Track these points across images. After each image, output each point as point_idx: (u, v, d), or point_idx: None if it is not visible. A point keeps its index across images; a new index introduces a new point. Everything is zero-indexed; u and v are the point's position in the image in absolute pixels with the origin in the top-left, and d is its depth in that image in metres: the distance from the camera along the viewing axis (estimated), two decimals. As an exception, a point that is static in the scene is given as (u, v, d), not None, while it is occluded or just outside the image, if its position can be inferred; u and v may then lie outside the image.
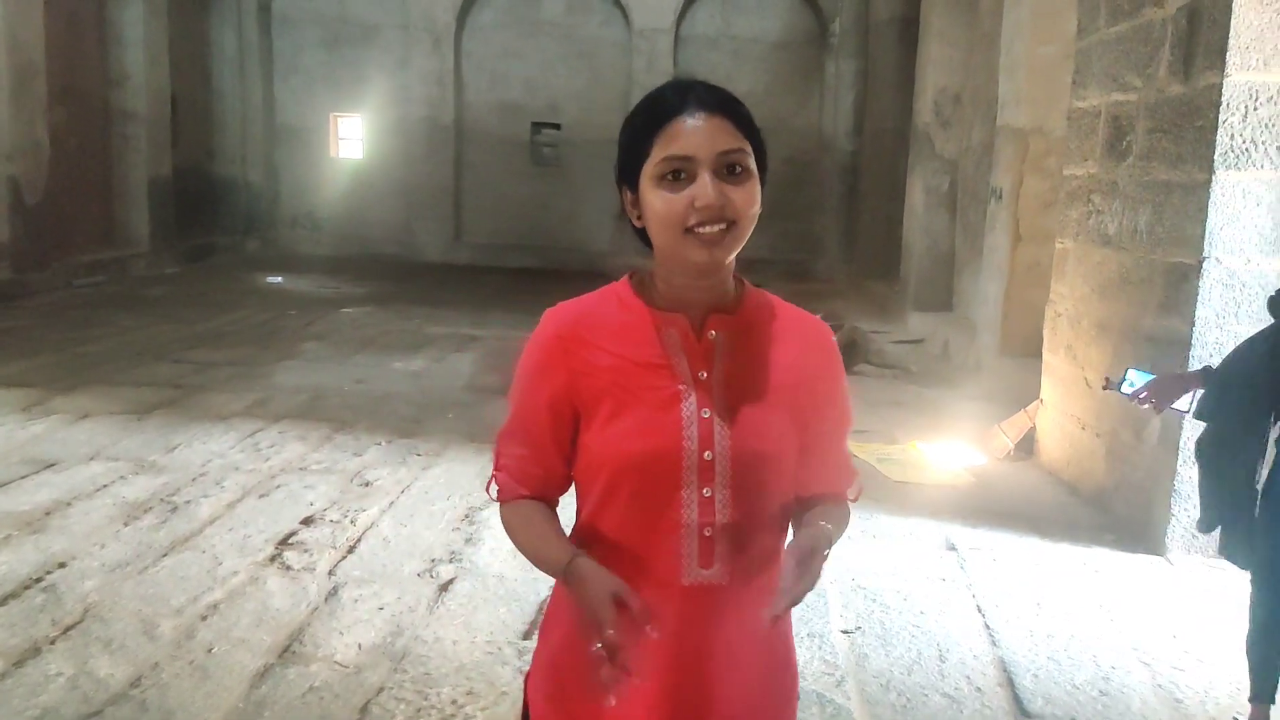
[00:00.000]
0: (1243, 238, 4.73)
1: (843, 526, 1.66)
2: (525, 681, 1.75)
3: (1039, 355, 6.56)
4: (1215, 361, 4.77)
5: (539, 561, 1.62)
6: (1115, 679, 3.74)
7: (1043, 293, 6.63)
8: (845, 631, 4.02)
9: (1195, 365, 4.81)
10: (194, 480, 5.47)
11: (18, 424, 6.36)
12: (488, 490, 1.69)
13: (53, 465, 5.59)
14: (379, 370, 8.50)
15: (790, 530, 1.68)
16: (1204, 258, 4.76)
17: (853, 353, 8.94)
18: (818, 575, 1.50)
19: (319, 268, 15.31)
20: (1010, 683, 3.68)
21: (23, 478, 5.38)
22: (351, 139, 17.78)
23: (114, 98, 13.83)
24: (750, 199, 1.50)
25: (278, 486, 5.43)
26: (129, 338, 9.39)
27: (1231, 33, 4.61)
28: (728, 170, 1.49)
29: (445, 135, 17.00)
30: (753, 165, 1.51)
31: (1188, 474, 4.86)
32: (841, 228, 15.70)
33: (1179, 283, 4.93)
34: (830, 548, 1.55)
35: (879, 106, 13.94)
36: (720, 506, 1.57)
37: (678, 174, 1.48)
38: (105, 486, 5.30)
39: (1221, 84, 4.65)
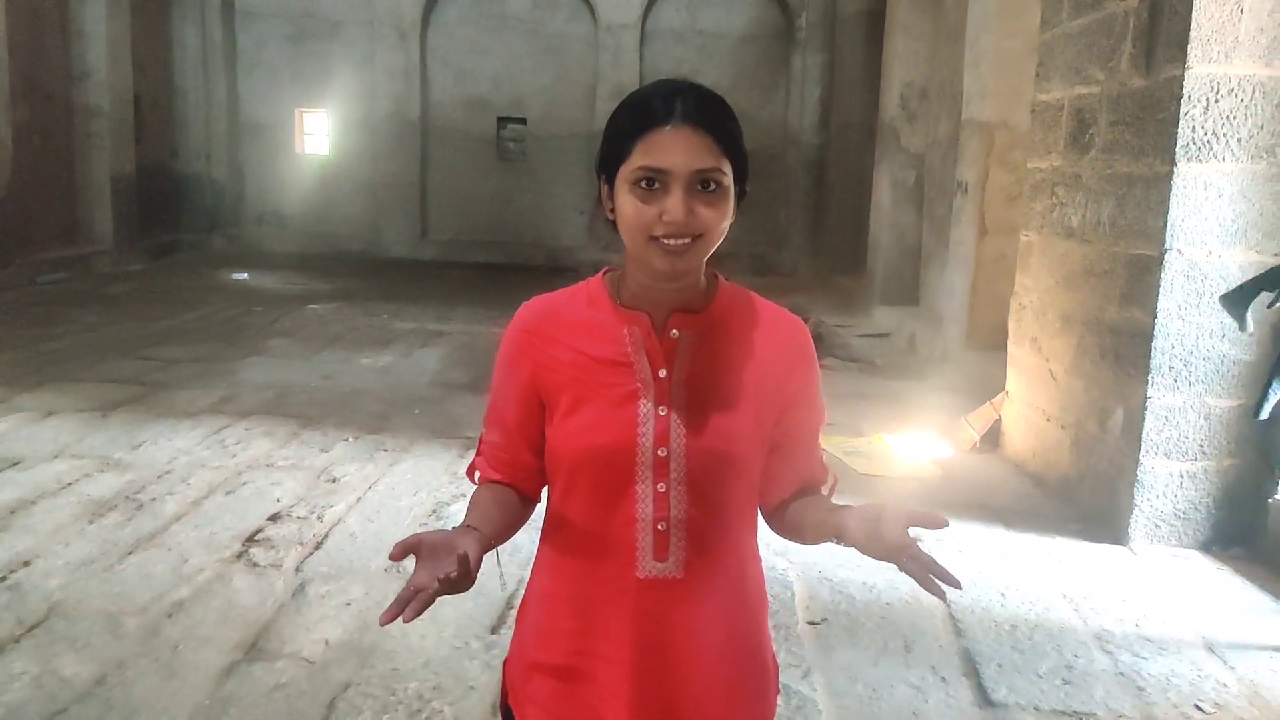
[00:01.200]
0: (1204, 229, 4.78)
1: None
2: (504, 666, 1.78)
3: (1004, 347, 6.60)
4: (1178, 352, 4.84)
5: None
6: (1078, 668, 3.78)
7: (1008, 285, 6.67)
8: (812, 623, 4.05)
9: (1158, 355, 4.87)
10: (160, 477, 5.42)
11: (-21, 423, 6.29)
12: (470, 475, 1.74)
13: (17, 464, 5.53)
14: (346, 366, 8.46)
15: (791, 525, 1.72)
16: (1166, 250, 4.80)
17: (818, 346, 8.94)
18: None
19: (285, 264, 15.19)
20: (975, 672, 3.71)
21: (-16, 477, 5.33)
22: (317, 135, 17.59)
23: (77, 95, 13.65)
24: (720, 215, 1.52)
25: (244, 483, 5.40)
26: (93, 335, 9.28)
27: (1193, 25, 4.65)
28: (701, 185, 1.50)
29: (411, 131, 16.91)
30: (728, 182, 1.52)
31: (1150, 464, 4.92)
32: (807, 222, 15.76)
33: (1141, 274, 4.98)
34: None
35: (845, 100, 14.00)
36: (675, 502, 1.59)
37: (651, 182, 1.49)
38: (70, 484, 5.25)
39: (1183, 76, 4.69)
